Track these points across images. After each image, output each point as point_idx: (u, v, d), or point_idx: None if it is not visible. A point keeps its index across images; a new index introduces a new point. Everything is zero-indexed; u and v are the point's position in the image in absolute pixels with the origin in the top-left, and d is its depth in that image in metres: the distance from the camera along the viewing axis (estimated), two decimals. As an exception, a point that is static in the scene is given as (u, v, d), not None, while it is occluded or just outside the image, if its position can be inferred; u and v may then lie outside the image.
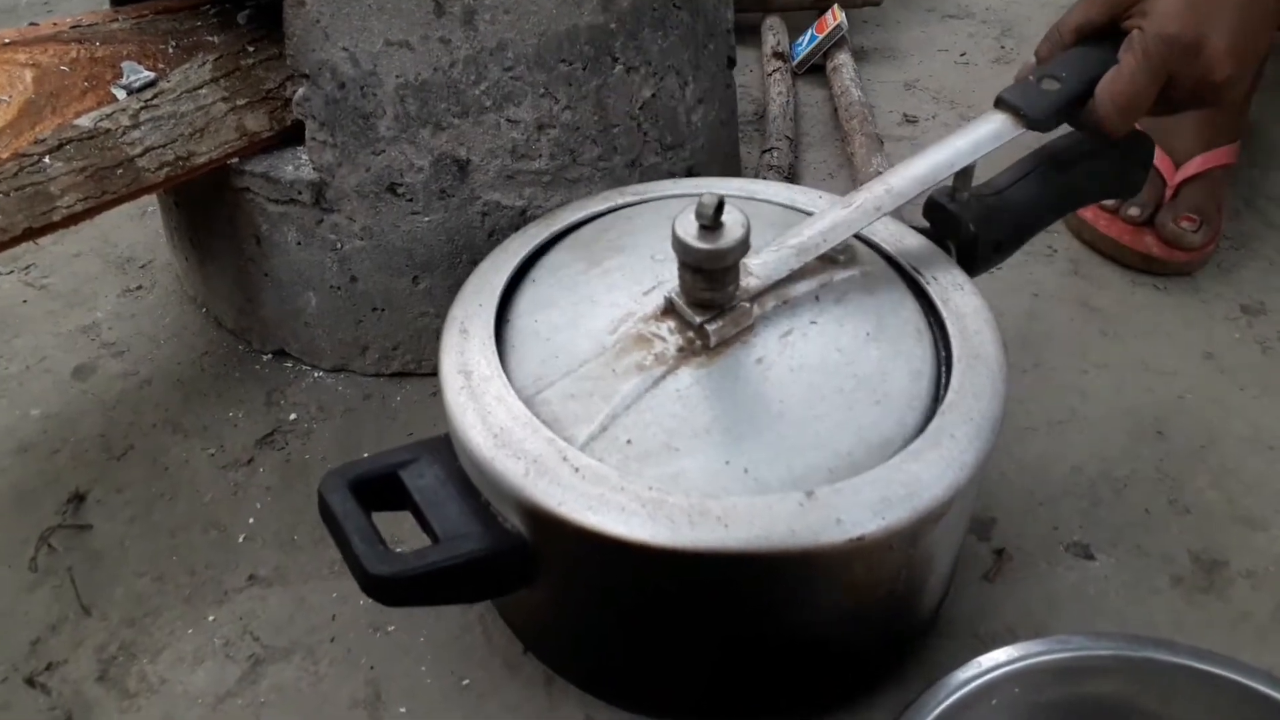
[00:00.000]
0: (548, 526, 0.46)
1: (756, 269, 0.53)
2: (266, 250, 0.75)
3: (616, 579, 0.48)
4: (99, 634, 0.62)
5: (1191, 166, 0.85)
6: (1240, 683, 0.51)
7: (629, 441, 0.47)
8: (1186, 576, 0.62)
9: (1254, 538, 0.64)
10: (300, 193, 0.71)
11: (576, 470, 0.46)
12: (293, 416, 0.76)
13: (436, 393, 0.80)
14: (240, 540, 0.68)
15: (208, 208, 0.76)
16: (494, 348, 0.53)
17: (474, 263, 0.73)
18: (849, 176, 0.98)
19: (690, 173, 0.80)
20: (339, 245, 0.73)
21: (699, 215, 0.47)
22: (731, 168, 0.89)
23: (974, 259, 0.61)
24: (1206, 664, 0.51)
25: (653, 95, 0.74)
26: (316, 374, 0.80)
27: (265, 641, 0.62)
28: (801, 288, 0.55)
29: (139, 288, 0.90)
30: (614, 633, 0.53)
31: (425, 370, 0.78)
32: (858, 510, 0.44)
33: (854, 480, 0.45)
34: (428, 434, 0.74)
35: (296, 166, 0.71)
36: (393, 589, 0.46)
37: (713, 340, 0.51)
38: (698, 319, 0.51)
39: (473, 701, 0.58)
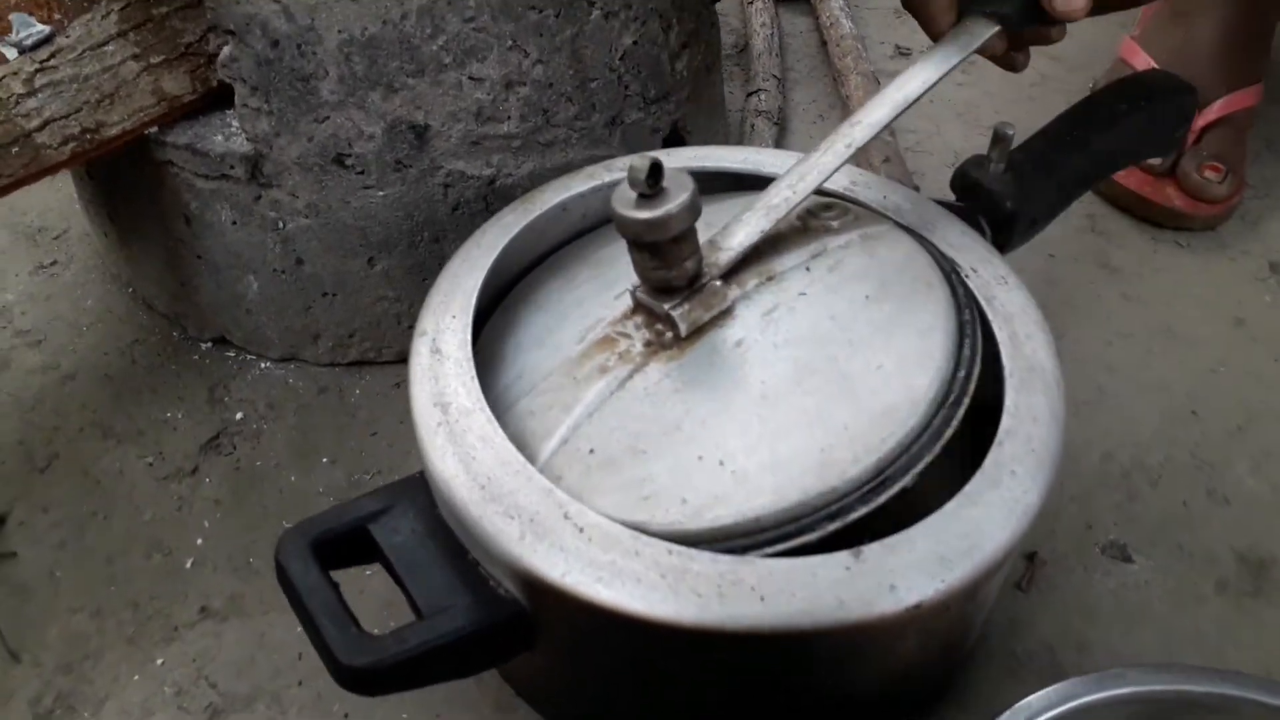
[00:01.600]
0: (549, 596, 0.39)
1: (722, 240, 0.47)
2: (198, 231, 0.65)
3: (631, 654, 0.42)
4: (31, 683, 0.55)
5: (1214, 110, 0.78)
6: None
7: (591, 451, 0.42)
8: (1232, 579, 0.58)
9: (1300, 531, 0.60)
10: (233, 167, 0.61)
11: (581, 531, 0.39)
12: (239, 416, 0.68)
13: (401, 383, 0.73)
14: (188, 566, 0.60)
15: (126, 182, 0.66)
16: (473, 372, 0.45)
17: (436, 241, 0.65)
18: (843, 119, 0.89)
19: (675, 128, 0.72)
20: (281, 224, 0.64)
21: (632, 182, 0.40)
22: (718, 118, 0.81)
23: (1009, 238, 0.55)
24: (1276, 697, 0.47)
25: (634, 43, 0.65)
26: (263, 364, 0.71)
27: (223, 688, 0.55)
28: (789, 260, 0.48)
29: (53, 263, 0.80)
30: (626, 702, 0.47)
31: (386, 359, 0.70)
32: (913, 573, 0.38)
33: (907, 534, 0.39)
34: (392, 432, 0.68)
35: (227, 136, 0.61)
36: (371, 680, 0.39)
37: (683, 328, 0.44)
38: (664, 306, 0.44)
39: (461, 754, 0.52)
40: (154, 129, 0.61)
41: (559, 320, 0.48)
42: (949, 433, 0.42)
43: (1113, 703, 0.47)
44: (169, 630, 0.57)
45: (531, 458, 0.42)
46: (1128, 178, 0.79)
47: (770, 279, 0.47)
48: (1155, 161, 0.78)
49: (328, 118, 0.60)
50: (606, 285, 0.49)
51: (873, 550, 0.38)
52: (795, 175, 0.48)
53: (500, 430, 0.42)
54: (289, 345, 0.70)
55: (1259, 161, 0.84)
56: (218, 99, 0.63)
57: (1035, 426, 0.42)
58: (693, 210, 0.41)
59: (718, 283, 0.45)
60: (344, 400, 0.69)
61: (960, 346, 0.45)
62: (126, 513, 0.63)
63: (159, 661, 0.56)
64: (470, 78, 0.60)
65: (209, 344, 0.72)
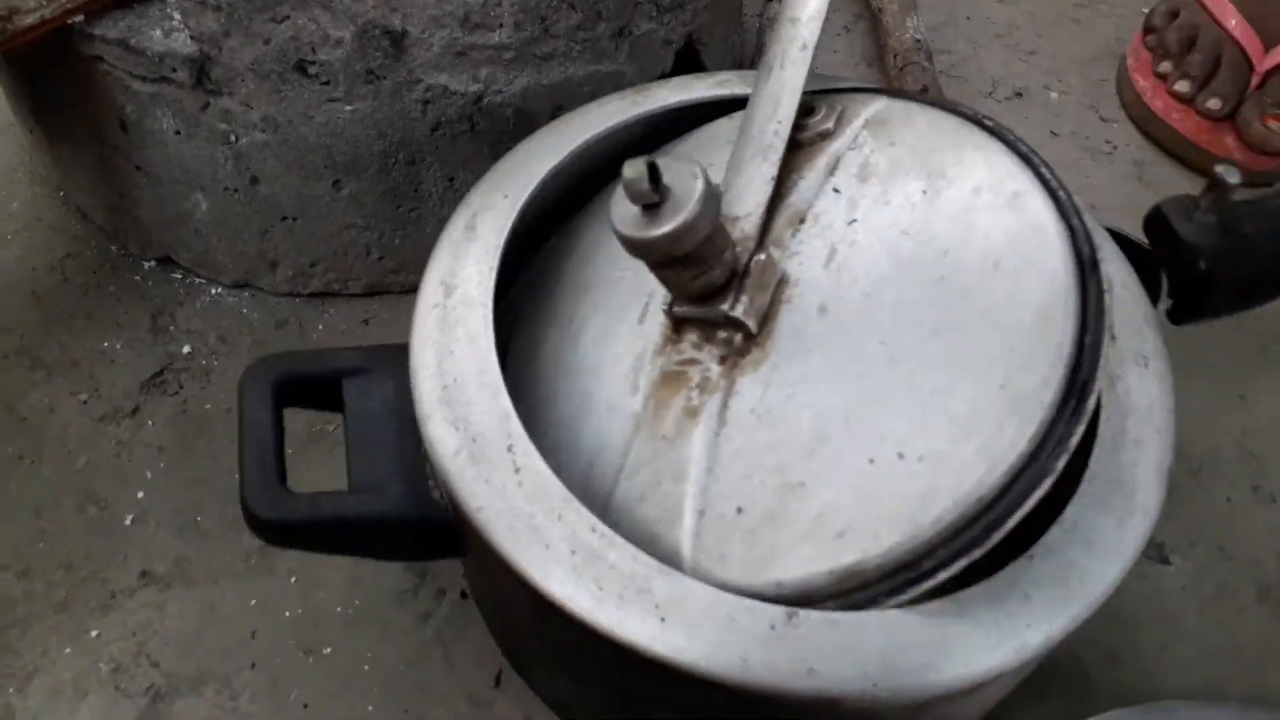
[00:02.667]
0: (466, 524, 0.35)
1: (733, 208, 0.39)
2: (136, 139, 0.56)
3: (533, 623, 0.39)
4: (-53, 654, 0.49)
5: (1284, 52, 0.70)
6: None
7: (739, 511, 0.34)
8: (1275, 586, 0.53)
9: (1350, 537, 0.55)
10: (175, 69, 0.52)
11: (516, 471, 0.35)
12: (187, 349, 0.61)
13: (370, 319, 0.65)
14: (127, 522, 0.54)
15: (51, 78, 0.57)
16: (495, 262, 0.40)
17: (412, 164, 0.57)
18: (868, 32, 0.80)
19: (690, 41, 0.63)
20: (233, 138, 0.55)
21: (634, 197, 0.32)
22: (735, 29, 0.72)
23: (1198, 306, 0.44)
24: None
25: (649, -60, 0.56)
26: (215, 290, 0.63)
27: (166, 667, 0.49)
28: (806, 193, 0.40)
29: (-26, 158, 0.70)
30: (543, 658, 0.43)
31: (354, 291, 0.63)
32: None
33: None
34: None
35: (167, 32, 0.52)
36: (275, 534, 0.38)
37: (752, 324, 0.37)
38: (719, 309, 0.36)
39: (431, 755, 0.47)
40: (79, 18, 0.52)
41: (591, 377, 0.40)
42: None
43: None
44: (105, 597, 0.51)
45: (672, 555, 0.34)
46: (1183, 121, 0.71)
47: (802, 222, 0.39)
48: (1214, 104, 0.71)
49: (287, 17, 0.51)
50: (619, 314, 0.41)
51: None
52: (768, 103, 0.40)
53: (489, 331, 0.38)
54: (243, 271, 0.62)
55: (1323, 108, 0.76)
56: (157, -17, 0.53)
57: (1086, 557, 0.33)
58: (713, 201, 0.33)
59: (760, 256, 0.38)
60: (304, 335, 0.61)
61: (1068, 217, 0.36)
62: (58, 458, 0.56)
63: (94, 634, 0.50)
64: (458, -24, 0.51)
65: (153, 263, 0.64)
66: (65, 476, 0.56)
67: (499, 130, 0.57)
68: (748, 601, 0.32)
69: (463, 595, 0.52)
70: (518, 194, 0.43)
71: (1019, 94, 0.77)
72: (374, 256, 0.61)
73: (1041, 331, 0.34)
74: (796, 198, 0.40)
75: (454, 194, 0.59)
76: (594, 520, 0.34)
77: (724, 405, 0.36)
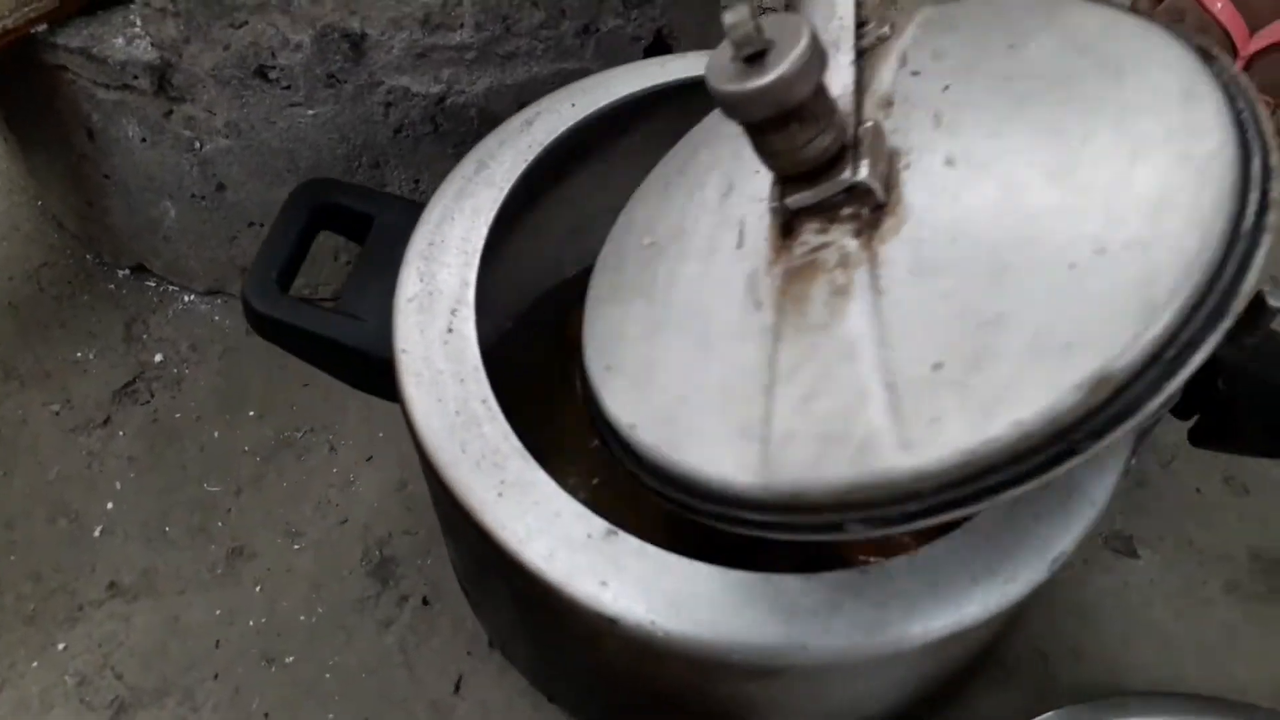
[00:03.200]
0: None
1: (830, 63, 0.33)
2: (103, 147, 0.57)
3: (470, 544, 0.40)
4: (-82, 664, 0.50)
5: (1271, 33, 0.69)
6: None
7: (937, 367, 0.28)
8: (1244, 581, 0.53)
9: (1322, 528, 0.55)
10: (136, 77, 0.52)
11: (448, 332, 0.38)
12: (159, 358, 0.61)
13: (341, 322, 0.65)
14: (96, 534, 0.54)
15: (17, 87, 0.57)
16: (534, 156, 0.44)
17: (376, 167, 0.57)
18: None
19: (660, 36, 0.63)
20: (197, 145, 0.55)
21: (735, 43, 0.28)
22: (710, 19, 0.71)
23: (1212, 433, 0.40)
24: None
25: (611, -63, 0.56)
26: (187, 298, 0.63)
27: (130, 680, 0.49)
28: (885, 83, 0.35)
29: (-49, 168, 0.71)
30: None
31: (325, 295, 0.63)
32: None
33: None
34: (328, 383, 0.57)
35: (129, 39, 0.52)
36: (256, 323, 0.42)
37: (880, 190, 0.31)
38: (843, 178, 0.31)
39: (395, 760, 0.47)
40: (42, 27, 0.52)
41: (702, 321, 0.34)
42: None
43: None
44: (73, 609, 0.52)
45: (873, 440, 0.28)
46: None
47: (891, 104, 0.34)
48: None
49: (246, 22, 0.51)
50: (708, 252, 0.36)
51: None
52: (824, 7, 0.37)
53: (492, 212, 0.42)
54: (214, 278, 0.62)
55: (1302, 95, 0.76)
56: (117, -8, 0.53)
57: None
58: (819, 47, 0.29)
59: (867, 124, 0.33)
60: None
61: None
62: (29, 469, 0.56)
63: (61, 646, 0.51)
64: (415, -21, 0.51)
65: (126, 272, 0.64)
66: (37, 488, 0.56)
67: (463, 131, 0.57)
68: (580, 507, 0.34)
69: (424, 602, 0.52)
70: (587, 106, 0.46)
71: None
72: (342, 261, 0.61)
73: (1191, 106, 0.29)
74: (878, 86, 0.35)
75: (419, 196, 0.59)
76: (488, 393, 0.37)
77: (874, 276, 0.31)
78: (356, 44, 0.52)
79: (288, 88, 0.53)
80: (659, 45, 0.63)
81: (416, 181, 0.58)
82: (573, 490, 0.35)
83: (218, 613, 0.52)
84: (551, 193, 0.48)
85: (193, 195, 0.57)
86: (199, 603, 0.52)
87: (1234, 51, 0.70)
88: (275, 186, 0.57)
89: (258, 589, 0.53)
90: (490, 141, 0.44)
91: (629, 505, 0.44)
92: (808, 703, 0.39)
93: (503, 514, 0.34)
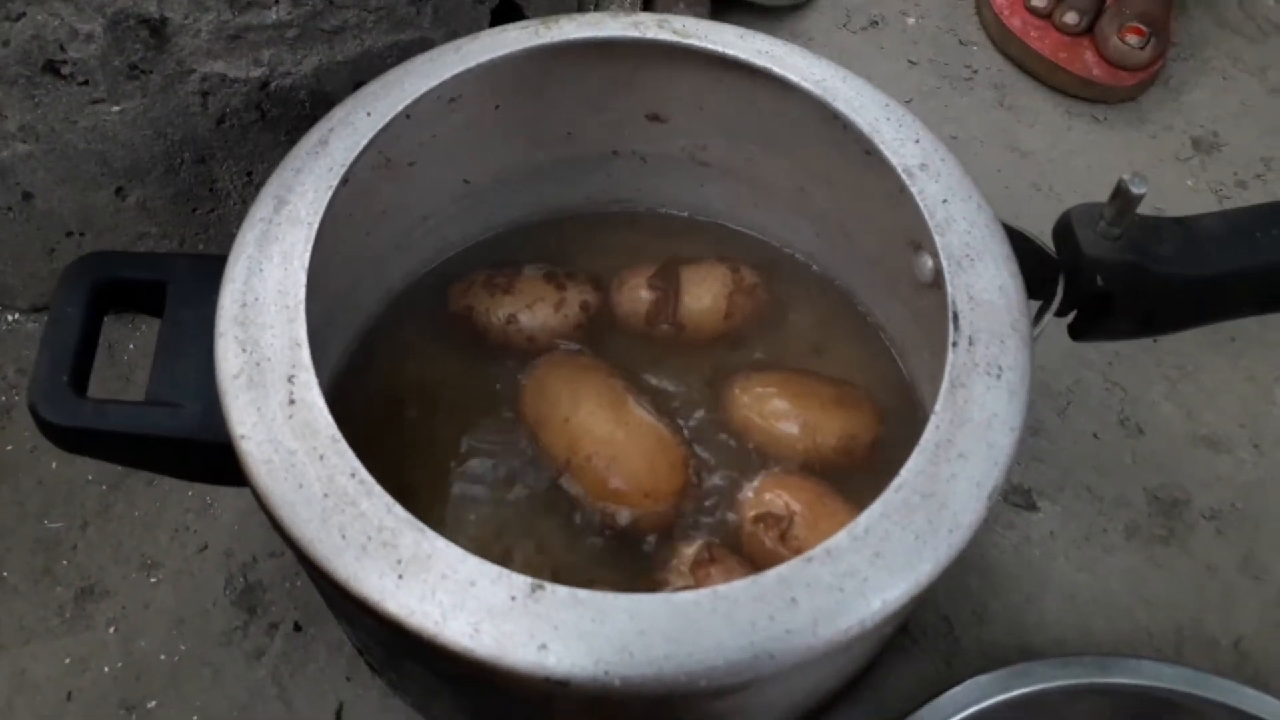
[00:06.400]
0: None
1: None
2: (-115, 161, 0.51)
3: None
4: None
5: (1143, -43, 0.67)
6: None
7: None
8: (1144, 524, 0.52)
9: (1216, 463, 0.54)
10: (-95, 81, 0.46)
11: (291, 403, 0.33)
12: (-14, 385, 0.55)
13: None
14: (-74, 584, 0.50)
15: None
16: (338, 180, 0.38)
17: (201, 162, 0.52)
18: None
19: (511, 2, 0.58)
20: (-8, 152, 0.49)
21: None
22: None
23: (1098, 324, 0.41)
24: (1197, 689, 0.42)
25: (437, -112, 0.51)
26: (11, 317, 0.58)
27: (-28, 744, 0.45)
28: None
29: None
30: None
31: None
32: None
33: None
34: None
35: (-110, 40, 0.46)
36: (55, 435, 0.36)
37: None
38: None
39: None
40: None
41: None
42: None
43: (1016, 703, 0.43)
44: (-96, 673, 0.47)
45: None
46: (1041, 40, 0.68)
47: None
48: (1071, 19, 0.68)
49: (23, 14, 0.45)
50: None
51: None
52: None
53: (306, 255, 0.36)
54: (38, 293, 0.57)
55: (1184, 15, 0.74)
56: (-124, -14, 0.47)
57: (869, 568, 0.30)
58: None
59: None
60: (114, 359, 0.56)
61: None
62: None
63: (-109, 712, 0.46)
64: (212, -49, 0.46)
65: (-58, 293, 0.59)
66: None
67: (295, 115, 0.52)
68: (495, 569, 0.30)
69: (296, 628, 0.48)
70: (385, 112, 0.40)
71: (875, 22, 0.73)
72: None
73: None
74: None
75: (255, 190, 0.53)
76: (356, 465, 0.32)
77: None
78: (157, 30, 0.47)
79: (85, 83, 0.47)
80: (507, 8, 0.58)
81: (249, 174, 0.53)
82: (476, 540, 0.32)
83: (68, 661, 0.47)
84: (359, 213, 0.43)
85: (-1, 207, 0.52)
86: (46, 652, 0.48)
87: (1110, -27, 0.68)
88: (90, 191, 0.51)
89: (112, 630, 0.49)
90: (284, 171, 0.39)
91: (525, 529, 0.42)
92: (777, 699, 0.37)
93: (409, 598, 0.29)
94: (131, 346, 0.57)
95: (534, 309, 0.48)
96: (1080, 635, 0.48)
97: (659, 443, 0.44)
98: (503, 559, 0.30)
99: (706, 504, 0.43)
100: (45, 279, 0.56)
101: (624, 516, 0.43)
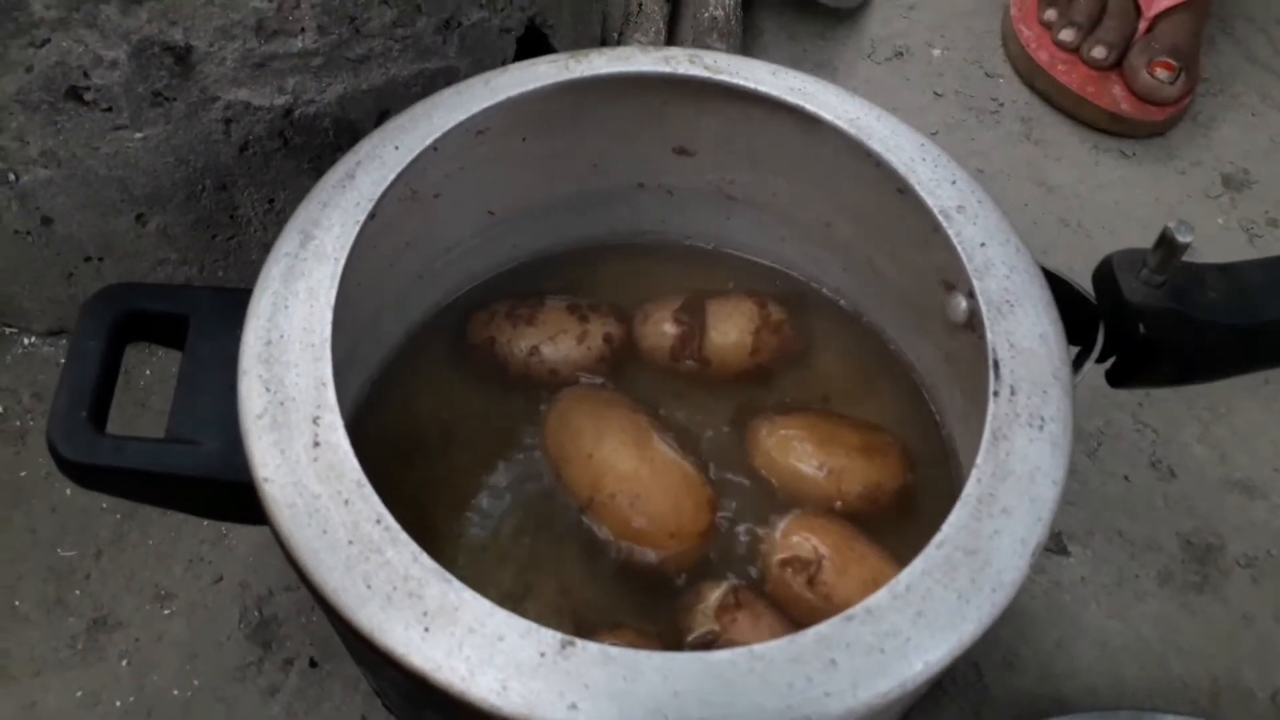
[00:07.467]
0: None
1: None
2: (-95, 184, 0.50)
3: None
4: None
5: (1171, -8, 0.67)
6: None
7: None
8: (1177, 570, 0.51)
9: (1250, 509, 0.53)
10: (-72, 106, 0.46)
11: (315, 445, 0.32)
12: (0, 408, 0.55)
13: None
14: (-64, 615, 0.49)
15: None
16: (365, 215, 0.37)
17: (223, 189, 0.52)
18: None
19: (533, 26, 0.58)
20: (13, 176, 0.49)
21: None
22: (589, 6, 0.66)
23: (1130, 372, 0.40)
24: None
25: (466, -80, 0.51)
26: (27, 340, 0.57)
27: (-20, 782, 0.45)
28: None
29: None
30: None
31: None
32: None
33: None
34: None
35: (-86, 64, 0.46)
36: (74, 473, 0.35)
37: None
38: None
39: None
40: None
41: None
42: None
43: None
44: (-89, 705, 0.46)
45: None
46: (1069, 74, 0.68)
47: None
48: (1099, 54, 0.67)
49: (48, 40, 0.45)
50: None
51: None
52: None
53: (333, 292, 0.35)
54: (55, 318, 0.56)
55: (1213, 50, 0.73)
56: (-98, 9, 0.47)
57: (911, 628, 0.30)
58: None
59: None
60: (130, 385, 0.56)
61: None
62: None
63: (-102, 749, 0.45)
64: (241, -21, 0.45)
65: (-41, 317, 0.58)
66: None
67: (318, 144, 0.52)
68: (524, 623, 0.29)
69: (311, 664, 0.47)
70: (413, 146, 0.40)
71: (900, 53, 0.73)
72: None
73: None
74: None
75: (276, 217, 0.54)
76: (382, 510, 0.31)
77: None
78: (182, 57, 0.46)
79: (108, 109, 0.47)
80: (533, 36, 0.58)
81: (271, 201, 0.53)
82: (505, 593, 0.31)
83: (79, 694, 0.47)
84: (384, 245, 0.42)
85: (16, 231, 0.51)
86: (57, 684, 0.47)
87: (1138, 12, 0.68)
88: (110, 217, 0.51)
89: (124, 663, 0.48)
90: (310, 205, 0.38)
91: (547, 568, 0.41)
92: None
93: (435, 652, 0.29)
94: (148, 372, 0.56)
95: (556, 341, 0.47)
96: (1112, 684, 0.47)
97: (684, 481, 0.43)
98: (524, 598, 0.29)
99: (732, 545, 0.42)
100: (63, 303, 0.55)
101: (648, 557, 0.42)
